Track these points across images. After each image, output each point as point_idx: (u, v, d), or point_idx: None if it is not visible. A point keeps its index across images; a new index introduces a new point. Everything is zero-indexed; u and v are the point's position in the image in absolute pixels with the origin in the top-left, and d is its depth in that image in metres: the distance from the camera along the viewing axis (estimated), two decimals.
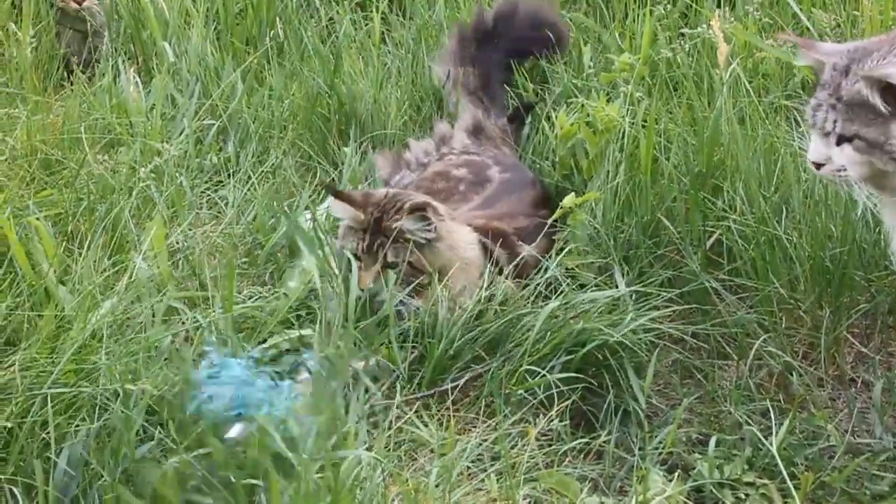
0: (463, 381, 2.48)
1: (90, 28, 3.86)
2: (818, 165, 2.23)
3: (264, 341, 2.60)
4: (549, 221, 2.88)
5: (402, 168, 3.24)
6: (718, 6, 3.57)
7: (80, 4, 3.82)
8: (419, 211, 2.69)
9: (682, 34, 3.42)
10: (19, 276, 2.68)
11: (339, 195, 2.77)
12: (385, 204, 2.73)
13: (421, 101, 3.51)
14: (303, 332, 2.60)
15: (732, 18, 3.34)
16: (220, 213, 3.12)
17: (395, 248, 2.68)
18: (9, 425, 2.17)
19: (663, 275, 2.75)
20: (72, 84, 3.70)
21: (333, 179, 3.22)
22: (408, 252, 2.68)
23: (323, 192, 3.12)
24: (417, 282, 2.67)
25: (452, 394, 2.46)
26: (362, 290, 2.62)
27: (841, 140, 2.18)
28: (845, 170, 2.19)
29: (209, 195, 3.20)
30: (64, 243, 2.87)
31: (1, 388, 2.36)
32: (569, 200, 2.85)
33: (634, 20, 3.54)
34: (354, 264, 2.64)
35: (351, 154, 3.23)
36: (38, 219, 2.80)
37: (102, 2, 3.86)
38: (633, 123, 2.95)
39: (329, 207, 2.85)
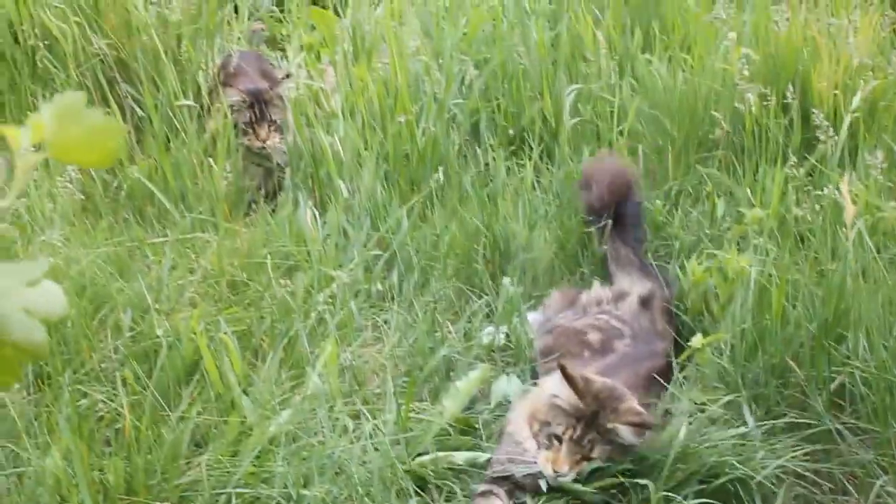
0: None
1: (274, 164, 4.07)
2: None
3: (421, 454, 2.83)
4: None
5: (570, 308, 3.27)
6: (840, 165, 3.68)
7: (263, 142, 4.05)
8: (645, 427, 2.69)
9: (808, 191, 3.57)
10: (208, 384, 2.93)
11: (569, 378, 2.70)
12: (605, 399, 2.70)
13: (566, 241, 3.66)
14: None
15: (857, 180, 3.49)
16: (384, 334, 3.29)
17: (603, 448, 2.69)
18: None
19: (790, 414, 2.89)
20: (257, 214, 3.89)
21: (492, 308, 3.38)
22: (610, 451, 2.70)
23: (481, 321, 3.31)
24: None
25: None
26: (556, 473, 2.66)
27: None
28: None
29: (374, 318, 3.38)
30: (247, 357, 3.09)
31: (190, 485, 2.63)
32: (696, 341, 3.06)
33: (765, 177, 3.70)
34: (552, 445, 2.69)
35: (508, 285, 3.37)
36: (226, 334, 3.04)
37: (286, 140, 4.07)
38: (761, 272, 3.11)
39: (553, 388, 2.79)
